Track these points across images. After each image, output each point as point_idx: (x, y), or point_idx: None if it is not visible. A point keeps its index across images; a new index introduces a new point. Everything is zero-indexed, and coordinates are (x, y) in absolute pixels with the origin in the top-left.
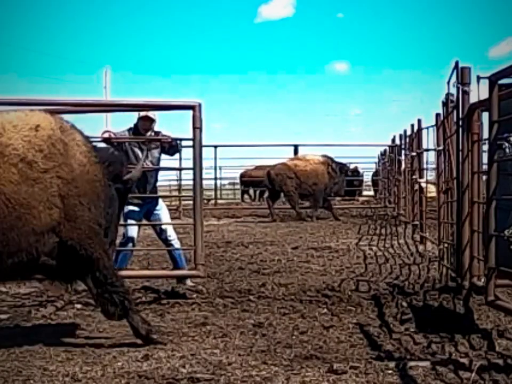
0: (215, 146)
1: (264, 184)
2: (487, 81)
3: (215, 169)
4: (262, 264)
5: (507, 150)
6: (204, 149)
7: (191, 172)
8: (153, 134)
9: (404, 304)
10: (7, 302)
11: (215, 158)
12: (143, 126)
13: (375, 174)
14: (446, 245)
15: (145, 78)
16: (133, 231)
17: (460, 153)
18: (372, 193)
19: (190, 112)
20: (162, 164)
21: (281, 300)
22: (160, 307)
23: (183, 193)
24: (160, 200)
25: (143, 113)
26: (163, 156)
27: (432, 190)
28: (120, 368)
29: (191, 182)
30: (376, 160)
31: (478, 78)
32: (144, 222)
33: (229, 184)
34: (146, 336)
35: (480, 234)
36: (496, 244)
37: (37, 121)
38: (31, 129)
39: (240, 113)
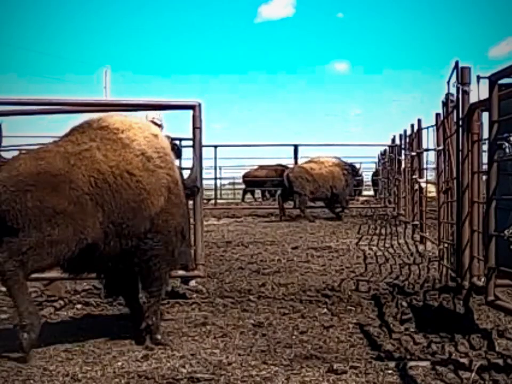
0: (215, 146)
1: (282, 185)
2: (487, 81)
3: (215, 169)
4: (262, 264)
5: (507, 150)
6: (203, 149)
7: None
8: None
9: (404, 304)
10: (7, 302)
11: (215, 158)
12: None
13: (375, 174)
14: (446, 245)
15: (145, 78)
16: None
17: (460, 153)
18: (371, 193)
19: (190, 112)
20: None
21: (281, 300)
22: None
23: None
24: None
25: (149, 118)
26: None
27: (432, 190)
28: (120, 368)
29: None
30: (376, 160)
31: (478, 78)
32: None
33: (229, 184)
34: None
35: (480, 234)
36: (496, 244)
37: (156, 131)
38: (152, 134)
39: (240, 113)
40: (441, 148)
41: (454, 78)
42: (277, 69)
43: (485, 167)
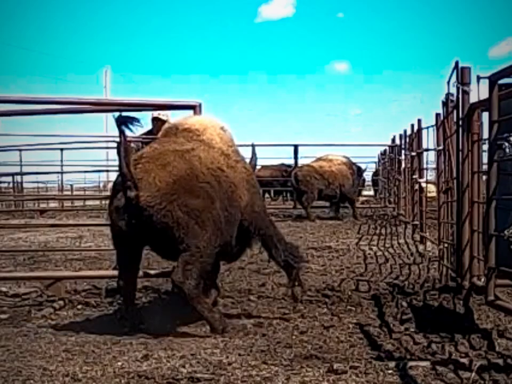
0: None
1: (291, 185)
2: (487, 81)
3: None
4: (262, 264)
5: (507, 150)
6: None
7: None
8: None
9: (404, 304)
10: (7, 302)
11: None
12: (155, 128)
13: (375, 174)
14: (446, 245)
15: (145, 78)
16: None
17: (460, 153)
18: (371, 193)
19: (190, 112)
20: None
21: (281, 300)
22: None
23: None
24: None
25: (155, 114)
26: None
27: (432, 190)
28: (120, 368)
29: None
30: (376, 160)
31: (478, 78)
32: None
33: None
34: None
35: (480, 234)
36: (496, 244)
37: (221, 124)
38: (222, 130)
39: (240, 113)
40: (441, 148)
41: (454, 78)
42: (277, 69)
43: (485, 167)
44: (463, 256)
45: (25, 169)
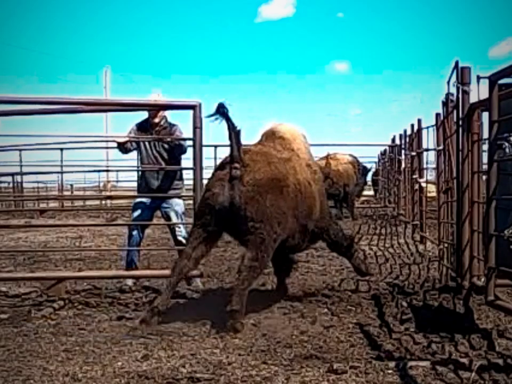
0: (215, 146)
1: None
2: (487, 81)
3: None
4: None
5: (507, 150)
6: (203, 149)
7: (191, 171)
8: (165, 120)
9: (404, 304)
10: (7, 302)
11: (215, 158)
12: (151, 114)
13: (375, 173)
14: (446, 245)
15: (145, 78)
16: (132, 228)
17: (460, 153)
18: (371, 192)
19: (190, 112)
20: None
21: (281, 300)
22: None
23: (183, 193)
24: (178, 199)
25: (152, 100)
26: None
27: (432, 190)
28: (120, 368)
29: (191, 182)
30: (376, 160)
31: (478, 77)
32: (156, 220)
33: None
34: (366, 272)
35: (480, 234)
36: (496, 244)
37: (302, 132)
38: (304, 137)
39: (240, 113)
40: (441, 147)
41: (454, 78)
42: (277, 69)
43: (485, 167)
44: (463, 256)
45: (25, 169)
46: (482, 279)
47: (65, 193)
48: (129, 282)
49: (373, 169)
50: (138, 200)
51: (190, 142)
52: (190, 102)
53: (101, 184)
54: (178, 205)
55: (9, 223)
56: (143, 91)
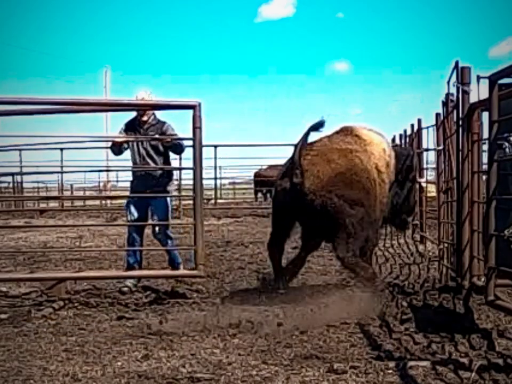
0: (215, 146)
1: None
2: (487, 81)
3: (215, 168)
4: (262, 264)
5: (507, 150)
6: (203, 149)
7: (191, 171)
8: (153, 118)
9: (404, 304)
10: (7, 302)
11: (215, 158)
12: (139, 112)
13: None
14: (446, 245)
15: (145, 78)
16: (130, 229)
17: (460, 153)
18: None
19: (190, 112)
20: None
21: (281, 300)
22: (160, 307)
23: (183, 193)
24: (167, 198)
25: (139, 98)
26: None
27: (432, 190)
28: (120, 368)
29: (191, 182)
30: None
31: (478, 77)
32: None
33: (229, 184)
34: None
35: (480, 234)
36: (496, 244)
37: (385, 142)
38: (383, 149)
39: (240, 113)
40: (441, 147)
41: (454, 78)
42: (277, 69)
43: (485, 167)
44: (463, 256)
45: (25, 169)
46: (482, 279)
47: (65, 193)
48: (129, 283)
49: None
50: (129, 206)
51: (190, 142)
52: (190, 102)
53: (101, 184)
54: (162, 205)
55: (9, 223)
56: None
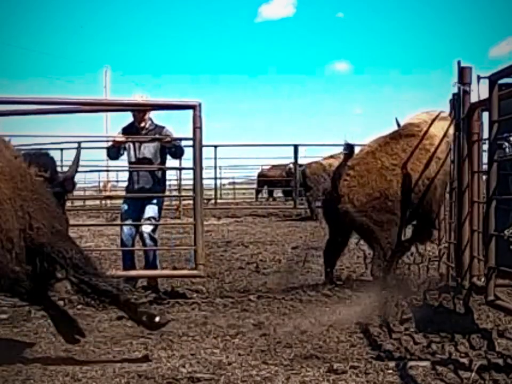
0: (215, 146)
1: (300, 183)
2: (487, 81)
3: (215, 168)
4: (262, 264)
5: (507, 150)
6: (203, 149)
7: (191, 171)
8: (150, 123)
9: (404, 304)
10: (7, 302)
11: (215, 158)
12: (136, 115)
13: None
14: (446, 245)
15: (145, 78)
16: (123, 230)
17: (460, 153)
18: None
19: (190, 112)
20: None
21: (281, 300)
22: (160, 307)
23: (183, 193)
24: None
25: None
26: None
27: None
28: (120, 368)
29: (191, 182)
30: None
31: (478, 77)
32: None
33: (229, 184)
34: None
35: (480, 234)
36: (496, 244)
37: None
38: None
39: (240, 113)
40: None
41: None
42: (277, 69)
43: (485, 167)
44: (463, 256)
45: None
46: (482, 279)
47: None
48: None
49: None
50: (124, 204)
51: (190, 142)
52: (190, 102)
53: (101, 184)
54: (151, 208)
55: None
56: (143, 91)
